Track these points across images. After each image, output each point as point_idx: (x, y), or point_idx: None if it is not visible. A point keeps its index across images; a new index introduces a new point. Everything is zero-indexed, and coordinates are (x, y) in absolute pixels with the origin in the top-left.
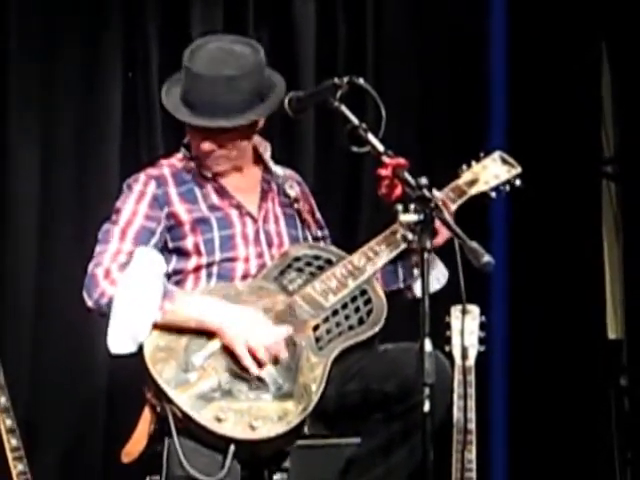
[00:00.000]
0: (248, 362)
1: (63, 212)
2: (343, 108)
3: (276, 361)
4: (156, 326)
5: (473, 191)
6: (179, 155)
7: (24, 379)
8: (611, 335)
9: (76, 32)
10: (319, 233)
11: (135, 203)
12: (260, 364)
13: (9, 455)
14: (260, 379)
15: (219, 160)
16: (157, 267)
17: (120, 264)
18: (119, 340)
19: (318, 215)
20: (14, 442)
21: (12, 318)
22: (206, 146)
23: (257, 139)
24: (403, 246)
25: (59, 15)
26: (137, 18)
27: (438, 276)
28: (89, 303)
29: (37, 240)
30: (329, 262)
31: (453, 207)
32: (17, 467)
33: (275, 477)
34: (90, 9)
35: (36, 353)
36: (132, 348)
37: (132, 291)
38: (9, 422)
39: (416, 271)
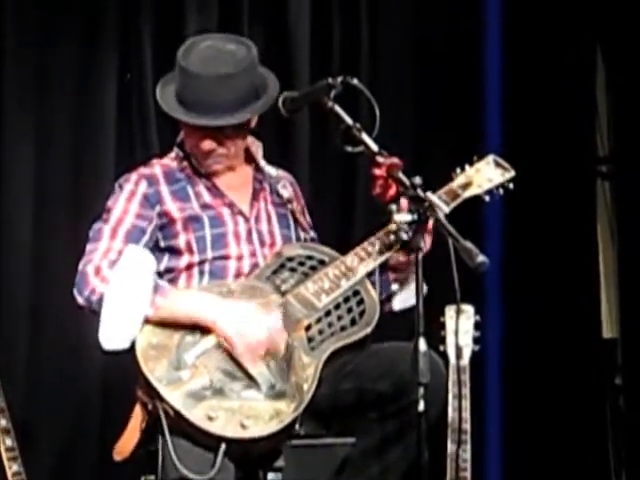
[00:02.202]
0: (246, 360)
1: (58, 213)
2: (337, 108)
3: (271, 356)
4: (149, 323)
5: (467, 194)
6: (172, 154)
7: (19, 380)
8: (606, 334)
9: (71, 33)
10: (311, 233)
11: (126, 202)
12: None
13: (4, 455)
14: (252, 378)
15: (218, 159)
16: (147, 264)
17: (110, 262)
18: (111, 335)
19: (308, 217)
20: (9, 442)
21: (7, 320)
22: (206, 145)
23: (249, 139)
24: (397, 247)
25: (54, 16)
26: (132, 20)
27: None
28: (80, 300)
29: (31, 243)
30: (322, 262)
31: (447, 209)
32: (12, 467)
33: (269, 477)
34: (85, 10)
35: (31, 354)
36: (124, 344)
37: (123, 287)
38: (4, 422)
39: (394, 286)
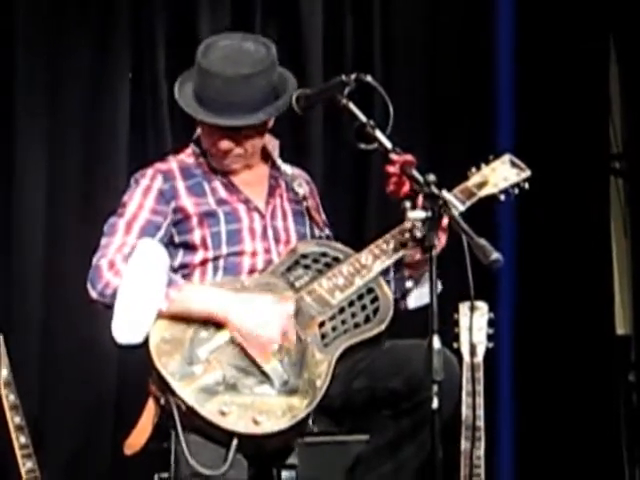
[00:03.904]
0: (257, 355)
1: (71, 210)
2: (351, 105)
3: (285, 352)
4: (162, 317)
5: (482, 193)
6: (188, 150)
7: (33, 378)
8: (619, 331)
9: (84, 34)
10: (325, 231)
11: (142, 197)
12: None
13: (18, 453)
14: (265, 374)
15: (236, 159)
16: (161, 258)
17: (124, 256)
18: (124, 329)
19: (323, 215)
20: (23, 440)
21: (20, 317)
22: (224, 145)
23: (266, 137)
24: (411, 244)
25: (67, 18)
26: (145, 19)
27: None
28: (93, 294)
29: (44, 243)
30: (336, 260)
31: (462, 208)
32: (26, 464)
33: (283, 474)
34: (98, 10)
35: (45, 352)
36: (138, 338)
37: (137, 280)
38: (18, 420)
39: (409, 283)
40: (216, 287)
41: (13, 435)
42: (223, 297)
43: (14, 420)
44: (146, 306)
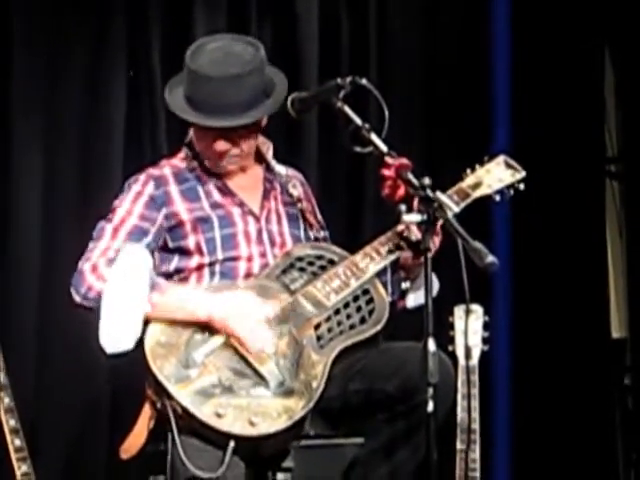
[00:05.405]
0: (252, 356)
1: (66, 213)
2: (346, 109)
3: (281, 354)
4: (156, 321)
5: (477, 194)
6: (181, 154)
7: (28, 380)
8: (615, 334)
9: (80, 35)
10: (321, 233)
11: (131, 202)
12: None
13: (13, 456)
14: (261, 375)
15: (232, 159)
16: (144, 262)
17: (108, 259)
18: (113, 339)
19: (319, 216)
20: (18, 442)
21: (16, 320)
22: (220, 146)
23: (260, 138)
24: (406, 247)
25: (63, 19)
26: (140, 19)
27: None
28: (77, 298)
29: (40, 245)
30: (331, 262)
31: (457, 209)
32: (21, 468)
33: (279, 477)
34: (93, 10)
35: (40, 354)
36: (127, 344)
37: (119, 284)
38: (13, 422)
39: (405, 284)
40: (203, 289)
41: (8, 438)
42: (204, 298)
43: (9, 423)
44: (130, 311)
